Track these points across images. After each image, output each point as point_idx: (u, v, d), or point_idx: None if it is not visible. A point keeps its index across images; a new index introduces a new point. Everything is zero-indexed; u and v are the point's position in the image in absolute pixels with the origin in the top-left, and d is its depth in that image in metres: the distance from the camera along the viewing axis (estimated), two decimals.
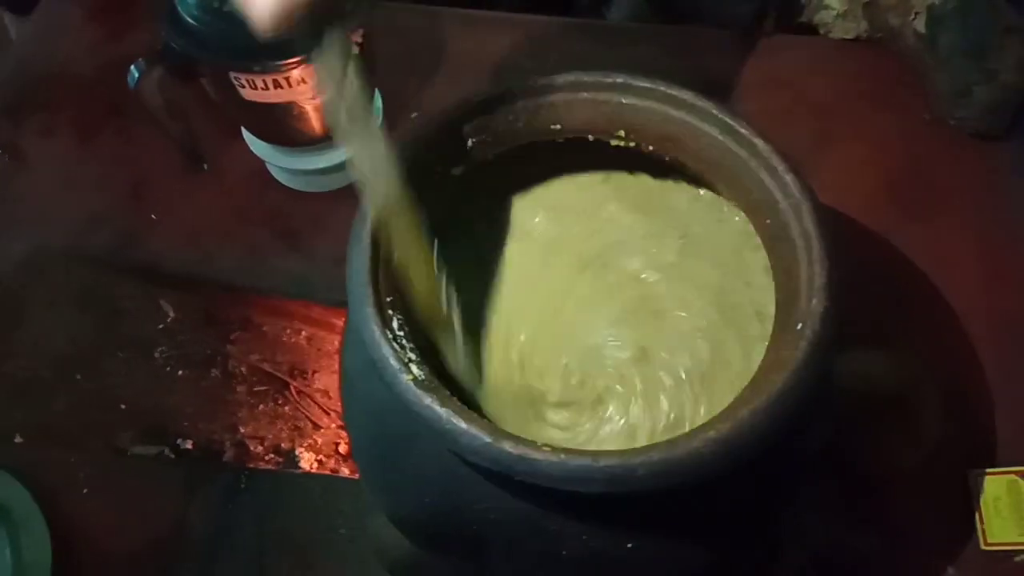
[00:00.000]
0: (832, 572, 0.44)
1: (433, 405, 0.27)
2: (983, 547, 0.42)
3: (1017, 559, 0.42)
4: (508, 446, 0.26)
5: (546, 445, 0.26)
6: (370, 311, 0.29)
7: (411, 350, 0.30)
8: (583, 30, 0.64)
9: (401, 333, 0.30)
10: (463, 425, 0.27)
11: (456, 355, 0.33)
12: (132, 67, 0.47)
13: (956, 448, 0.46)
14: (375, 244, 0.31)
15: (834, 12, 0.63)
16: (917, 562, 0.44)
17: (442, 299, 0.34)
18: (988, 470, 0.44)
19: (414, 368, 0.28)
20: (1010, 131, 0.56)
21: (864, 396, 0.41)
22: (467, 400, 0.34)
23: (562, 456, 0.26)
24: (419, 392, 0.27)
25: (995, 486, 0.43)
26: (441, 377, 0.30)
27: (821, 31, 0.64)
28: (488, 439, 0.26)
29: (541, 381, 0.35)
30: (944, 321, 0.50)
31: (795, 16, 0.64)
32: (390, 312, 0.30)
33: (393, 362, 0.28)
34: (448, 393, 0.29)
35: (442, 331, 0.33)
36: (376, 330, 0.29)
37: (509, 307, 0.36)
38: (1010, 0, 0.56)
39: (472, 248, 0.38)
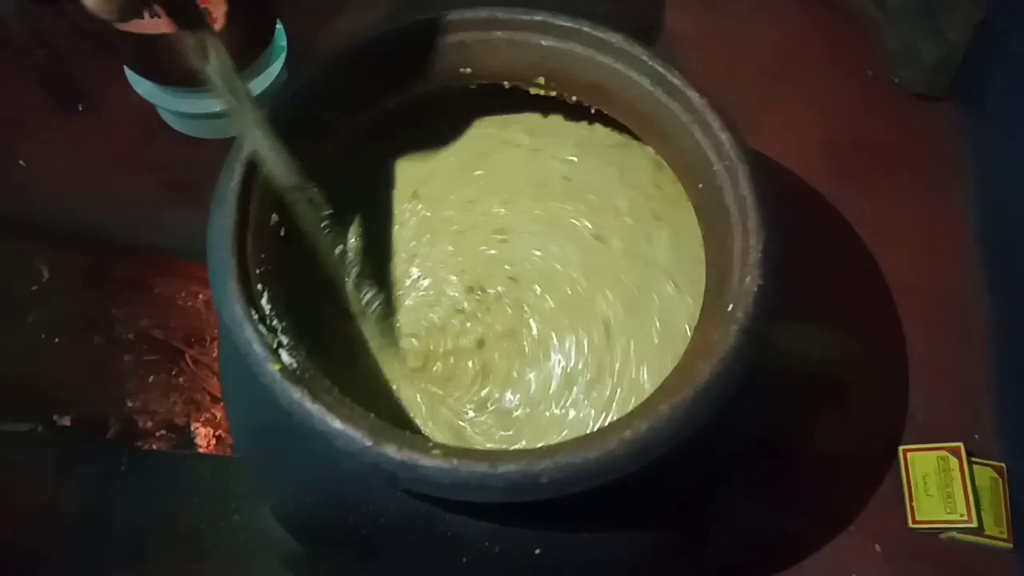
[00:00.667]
0: (760, 552, 0.42)
1: (303, 401, 0.23)
2: (911, 525, 0.41)
3: (943, 536, 0.41)
4: (391, 450, 0.22)
5: (437, 447, 0.22)
6: (232, 286, 0.24)
7: (283, 330, 0.25)
8: None
9: (272, 311, 0.25)
10: (337, 425, 0.22)
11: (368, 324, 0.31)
12: None
13: (888, 425, 0.44)
14: (243, 204, 0.26)
15: None
16: (845, 540, 0.42)
17: (345, 274, 0.31)
18: (918, 447, 0.42)
19: (284, 355, 0.24)
20: (951, 93, 0.54)
21: (794, 373, 0.38)
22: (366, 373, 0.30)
23: (455, 462, 0.22)
24: (287, 385, 0.23)
25: (924, 464, 0.41)
26: (328, 354, 0.26)
27: None
28: (367, 442, 0.22)
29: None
30: (878, 293, 0.48)
31: None
32: (260, 286, 0.25)
33: (258, 348, 0.24)
34: (326, 383, 0.24)
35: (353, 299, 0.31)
36: (239, 309, 0.24)
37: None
38: None
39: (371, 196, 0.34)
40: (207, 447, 0.46)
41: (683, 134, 0.29)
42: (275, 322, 0.25)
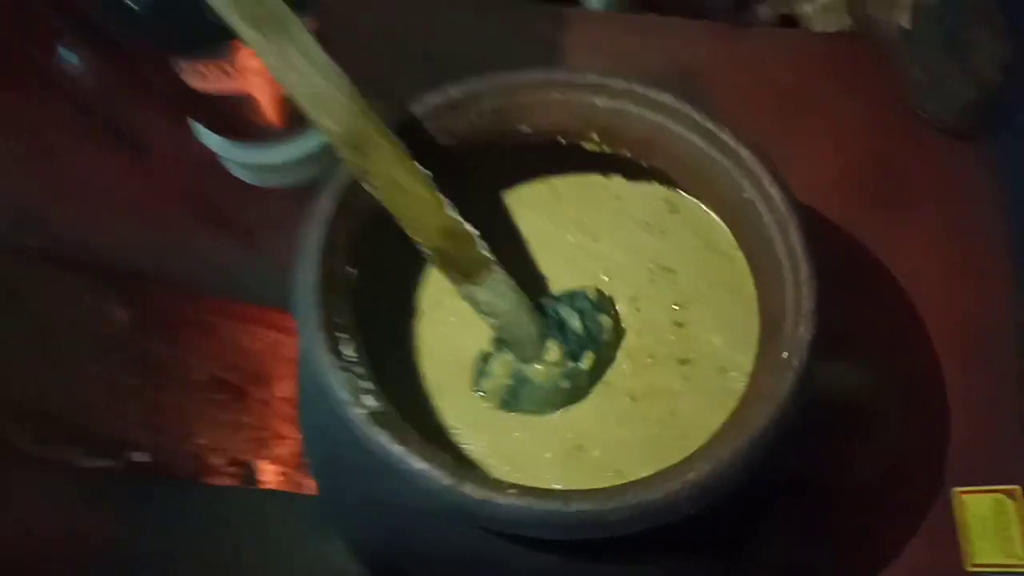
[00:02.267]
0: None
1: (387, 443, 0.25)
2: (968, 568, 0.41)
3: None
4: (470, 489, 0.24)
5: (512, 487, 0.24)
6: (319, 335, 0.27)
7: (365, 376, 0.27)
8: (561, 18, 0.62)
9: (354, 357, 0.28)
10: (420, 465, 0.24)
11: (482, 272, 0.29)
12: (60, 48, 0.44)
13: (928, 461, 0.44)
14: (326, 260, 0.28)
15: (816, 4, 0.61)
16: None
17: (451, 215, 0.29)
18: (972, 488, 0.42)
19: (368, 399, 0.26)
20: (984, 131, 0.55)
21: (827, 405, 0.39)
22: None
23: (530, 500, 0.24)
24: (372, 427, 0.25)
25: (980, 505, 0.41)
26: (400, 398, 0.28)
27: (802, 23, 0.62)
28: (448, 481, 0.24)
29: None
30: (908, 323, 0.48)
31: (775, 7, 0.62)
32: (343, 334, 0.28)
33: (344, 393, 0.26)
34: (404, 425, 0.26)
35: (463, 252, 0.29)
36: (326, 356, 0.26)
37: None
38: None
39: None
40: (271, 483, 0.48)
41: (734, 188, 0.30)
42: (357, 368, 0.27)
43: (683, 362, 0.33)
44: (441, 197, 0.28)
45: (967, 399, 0.46)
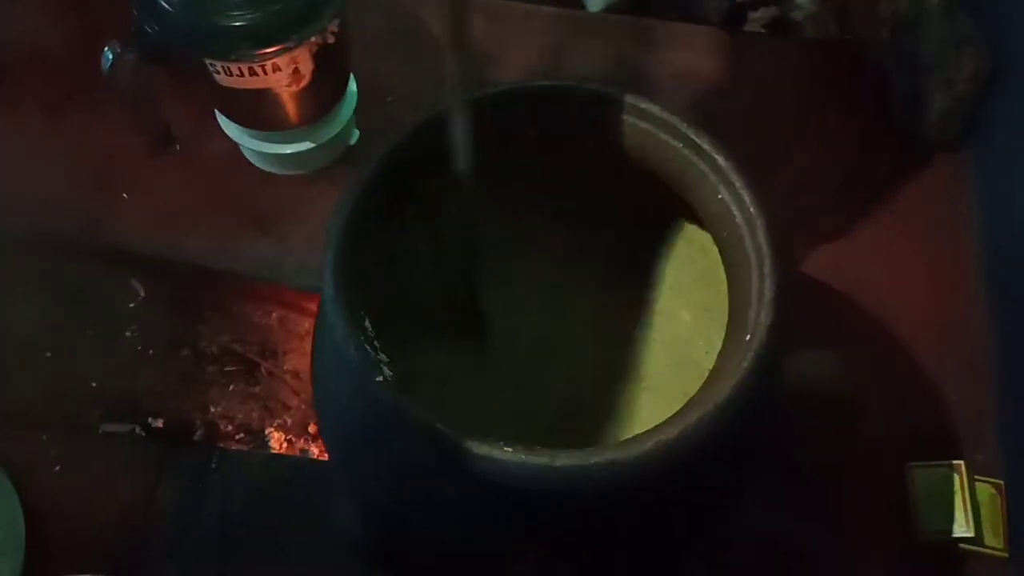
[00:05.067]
0: (775, 557, 0.46)
1: (404, 405, 0.28)
2: (917, 536, 0.45)
3: (946, 546, 0.45)
4: (474, 446, 0.28)
5: (508, 445, 0.28)
6: (341, 313, 0.30)
7: (381, 349, 0.31)
8: (560, 20, 0.65)
9: (372, 332, 0.31)
10: (433, 425, 0.28)
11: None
12: (106, 49, 0.47)
13: (897, 444, 0.49)
14: (348, 242, 0.32)
15: (805, 12, 0.64)
16: (857, 550, 0.47)
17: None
18: (923, 463, 0.46)
19: (384, 369, 0.30)
20: (962, 141, 0.59)
21: (810, 395, 0.43)
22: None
23: (523, 457, 0.27)
24: (388, 393, 0.29)
25: (929, 478, 0.46)
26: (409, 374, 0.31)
27: (792, 30, 0.65)
28: (455, 439, 0.28)
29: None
30: (889, 321, 0.53)
31: (767, 14, 0.66)
32: (362, 313, 0.31)
33: (363, 365, 0.29)
34: (416, 391, 0.30)
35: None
36: (348, 331, 0.30)
37: None
38: (967, 11, 0.58)
39: None
40: (279, 449, 0.52)
41: (710, 190, 0.34)
42: (376, 342, 0.31)
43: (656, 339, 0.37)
44: None
45: (941, 391, 0.50)
